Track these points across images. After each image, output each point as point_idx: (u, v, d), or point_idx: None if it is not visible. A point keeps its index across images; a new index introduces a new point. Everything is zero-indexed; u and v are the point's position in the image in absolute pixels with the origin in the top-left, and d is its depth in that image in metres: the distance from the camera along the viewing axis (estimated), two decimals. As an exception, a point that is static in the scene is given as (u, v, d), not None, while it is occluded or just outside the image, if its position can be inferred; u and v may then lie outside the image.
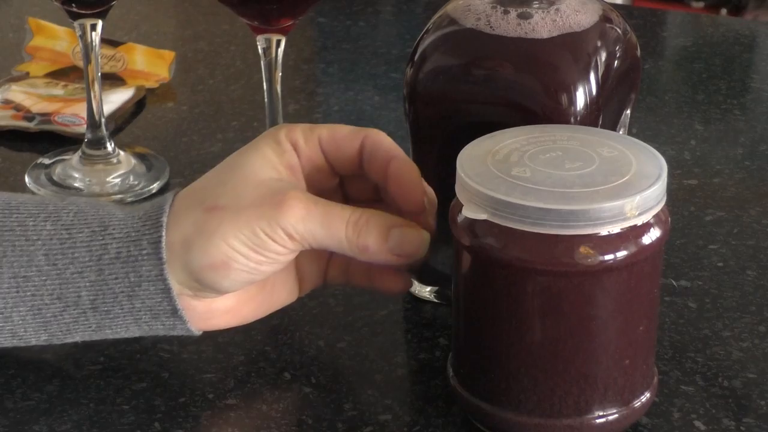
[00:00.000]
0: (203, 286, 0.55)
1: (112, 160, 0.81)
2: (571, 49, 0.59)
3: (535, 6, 0.59)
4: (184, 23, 1.12)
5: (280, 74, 0.73)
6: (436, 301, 0.65)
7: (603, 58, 0.60)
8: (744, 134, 0.88)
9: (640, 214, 0.50)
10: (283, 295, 0.60)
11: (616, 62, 0.61)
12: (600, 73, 0.59)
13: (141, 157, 0.83)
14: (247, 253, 0.54)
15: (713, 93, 0.95)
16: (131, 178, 0.80)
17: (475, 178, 0.51)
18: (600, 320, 0.51)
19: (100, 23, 0.77)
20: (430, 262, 0.59)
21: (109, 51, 0.97)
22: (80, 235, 0.56)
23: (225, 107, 0.92)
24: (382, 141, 0.57)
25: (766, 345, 0.62)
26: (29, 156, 0.84)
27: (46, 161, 0.82)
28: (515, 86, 0.58)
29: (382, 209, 0.56)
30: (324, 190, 0.58)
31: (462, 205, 0.52)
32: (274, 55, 0.73)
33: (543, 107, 0.58)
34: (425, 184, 0.57)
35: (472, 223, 0.52)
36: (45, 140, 0.85)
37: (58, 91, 0.91)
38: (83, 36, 0.77)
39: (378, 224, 0.55)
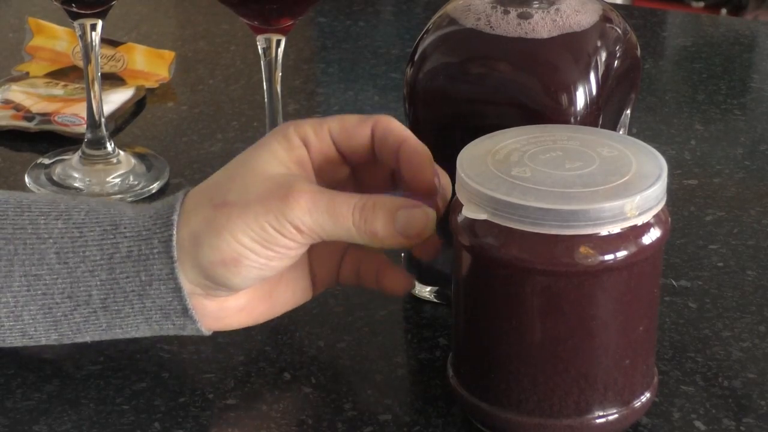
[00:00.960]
0: (214, 283, 0.55)
1: (112, 160, 0.81)
2: (571, 49, 0.59)
3: (535, 6, 0.59)
4: (184, 23, 1.12)
5: (280, 74, 0.73)
6: (436, 301, 0.65)
7: (603, 58, 0.60)
8: (744, 134, 0.88)
9: (640, 214, 0.50)
10: (297, 294, 0.60)
11: (616, 62, 0.61)
12: (600, 73, 0.59)
13: (141, 157, 0.83)
14: (256, 248, 0.54)
15: (713, 93, 0.95)
16: (131, 178, 0.80)
17: (475, 178, 0.51)
18: (600, 320, 0.51)
19: (100, 23, 0.77)
20: (431, 262, 0.59)
21: (109, 51, 0.97)
22: (91, 233, 0.56)
23: (225, 107, 0.92)
24: (392, 125, 0.57)
25: (766, 345, 0.62)
26: (29, 156, 0.84)
27: (46, 161, 0.82)
28: (515, 86, 0.58)
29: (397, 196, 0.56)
30: (336, 182, 0.58)
31: (462, 205, 0.52)
32: (274, 55, 0.73)
33: (543, 107, 0.58)
34: (437, 166, 0.57)
35: (472, 223, 0.52)
36: (45, 140, 0.85)
37: (58, 91, 0.91)
38: (83, 36, 0.77)
39: (384, 208, 0.55)
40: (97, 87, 0.79)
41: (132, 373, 0.59)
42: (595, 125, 0.59)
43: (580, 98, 0.58)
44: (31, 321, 0.56)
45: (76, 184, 0.80)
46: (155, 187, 0.79)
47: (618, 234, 0.50)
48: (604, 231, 0.50)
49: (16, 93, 0.90)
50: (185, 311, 0.56)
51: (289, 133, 0.57)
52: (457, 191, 0.53)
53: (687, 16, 1.27)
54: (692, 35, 1.12)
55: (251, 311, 0.58)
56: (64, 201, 0.57)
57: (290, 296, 0.59)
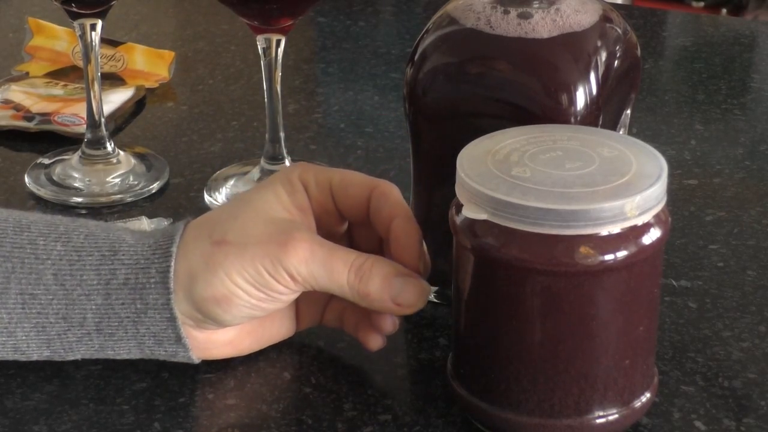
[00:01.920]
0: (205, 317, 0.56)
1: (111, 160, 0.81)
2: (571, 49, 0.59)
3: (535, 6, 0.59)
4: (184, 23, 1.12)
5: (280, 74, 0.73)
6: (436, 301, 0.65)
7: (603, 58, 0.60)
8: (744, 134, 0.88)
9: (640, 214, 0.50)
10: (281, 330, 0.60)
11: (616, 62, 0.61)
12: (600, 73, 0.59)
13: (141, 157, 0.83)
14: (249, 290, 0.55)
15: (713, 93, 0.95)
16: (131, 178, 0.80)
17: (475, 178, 0.51)
18: (600, 320, 0.51)
19: (100, 23, 0.77)
20: (431, 262, 0.59)
21: (109, 51, 0.97)
22: (90, 258, 0.56)
23: (225, 107, 0.92)
24: (390, 196, 0.57)
25: (766, 345, 0.62)
26: (29, 156, 0.84)
27: (46, 161, 0.82)
28: (515, 86, 0.58)
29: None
30: (332, 234, 0.59)
31: (462, 205, 0.52)
32: (274, 55, 0.73)
33: (543, 107, 0.58)
34: (425, 247, 0.58)
35: (472, 223, 0.52)
36: (45, 140, 0.85)
37: (57, 91, 0.91)
38: (83, 36, 0.77)
39: (381, 271, 0.55)
40: (97, 87, 0.79)
41: (132, 373, 0.59)
42: (595, 125, 0.59)
43: (580, 98, 0.58)
44: (24, 338, 0.56)
45: (76, 184, 0.80)
46: (155, 187, 0.79)
47: (618, 234, 0.50)
48: (604, 231, 0.50)
49: (16, 93, 0.90)
50: (179, 339, 0.56)
51: (293, 176, 0.58)
52: (457, 191, 0.53)
53: (687, 16, 1.27)
54: (692, 35, 1.12)
55: (237, 344, 0.59)
56: (64, 223, 0.58)
57: (275, 332, 0.60)
